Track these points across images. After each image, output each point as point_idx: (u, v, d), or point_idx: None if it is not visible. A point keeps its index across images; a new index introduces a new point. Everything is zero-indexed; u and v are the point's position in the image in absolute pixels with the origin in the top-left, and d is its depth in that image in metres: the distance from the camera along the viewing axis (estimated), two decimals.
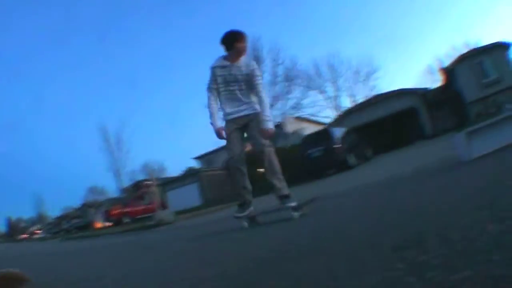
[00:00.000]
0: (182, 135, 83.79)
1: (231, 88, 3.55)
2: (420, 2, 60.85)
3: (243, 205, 3.58)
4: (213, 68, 3.57)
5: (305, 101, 29.23)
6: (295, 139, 20.02)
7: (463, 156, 3.98)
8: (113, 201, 33.06)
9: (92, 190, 53.83)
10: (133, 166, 52.77)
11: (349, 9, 61.06)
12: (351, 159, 13.07)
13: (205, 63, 4.45)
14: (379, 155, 16.89)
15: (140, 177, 37.54)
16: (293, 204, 3.36)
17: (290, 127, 26.80)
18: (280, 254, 1.85)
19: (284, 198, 3.40)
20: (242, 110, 3.58)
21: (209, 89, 3.62)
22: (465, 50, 26.46)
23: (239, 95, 3.57)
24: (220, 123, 3.64)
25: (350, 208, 3.48)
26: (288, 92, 28.19)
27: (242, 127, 3.62)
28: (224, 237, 3.56)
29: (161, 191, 22.93)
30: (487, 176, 2.83)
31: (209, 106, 3.61)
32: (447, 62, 29.01)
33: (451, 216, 1.70)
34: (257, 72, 3.58)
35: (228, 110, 3.60)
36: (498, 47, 22.22)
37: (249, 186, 3.61)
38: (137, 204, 24.64)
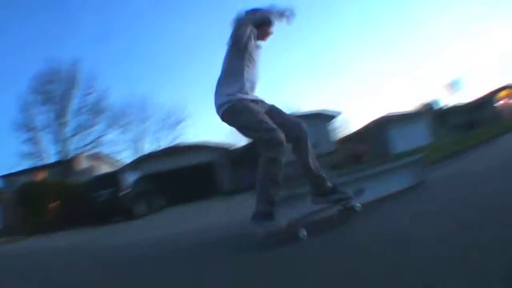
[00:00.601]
0: None
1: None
2: None
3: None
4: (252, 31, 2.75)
5: (106, 138, 27.47)
6: (87, 177, 17.88)
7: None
8: None
9: None
10: None
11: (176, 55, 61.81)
12: (140, 208, 12.31)
13: None
14: (174, 206, 16.61)
15: None
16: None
17: (85, 163, 24.06)
18: None
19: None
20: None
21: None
22: None
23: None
24: None
25: None
26: (91, 125, 26.19)
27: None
28: None
29: None
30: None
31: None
32: None
33: None
34: None
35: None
36: (319, 116, 23.41)
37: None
38: None
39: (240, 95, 2.65)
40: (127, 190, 12.39)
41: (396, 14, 63.49)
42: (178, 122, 34.78)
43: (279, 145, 2.51)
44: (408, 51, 70.54)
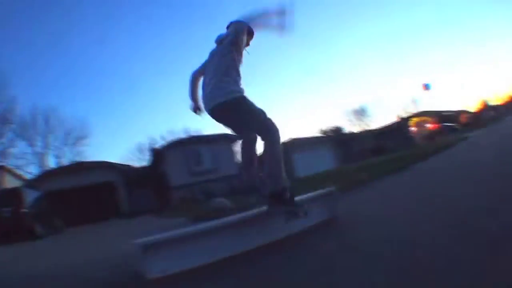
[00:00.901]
0: None
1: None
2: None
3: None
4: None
5: (13, 150, 25.92)
6: None
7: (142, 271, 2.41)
8: None
9: None
10: None
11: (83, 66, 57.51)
12: (39, 228, 11.44)
13: None
14: (73, 227, 15.62)
15: None
16: None
17: None
18: None
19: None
20: None
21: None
22: (182, 135, 28.33)
23: None
24: None
25: None
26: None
27: None
28: None
29: None
30: None
31: None
32: (160, 143, 30.09)
33: None
34: None
35: None
36: (222, 139, 22.92)
37: None
38: None
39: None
40: (28, 209, 11.47)
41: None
42: (79, 138, 32.87)
43: (279, 131, 2.89)
44: (316, 76, 76.69)
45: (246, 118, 2.91)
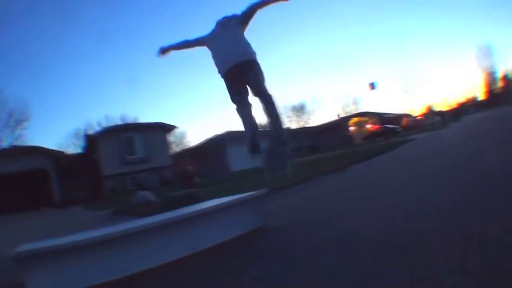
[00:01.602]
0: None
1: None
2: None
3: None
4: None
5: None
6: None
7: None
8: None
9: None
10: None
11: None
12: None
13: None
14: (5, 214, 14.81)
15: None
16: None
17: None
18: None
19: None
20: None
21: None
22: (119, 122, 27.40)
23: None
24: None
25: None
26: None
27: None
28: None
29: None
30: None
31: None
32: (96, 129, 29.08)
33: None
34: None
35: None
36: (157, 128, 22.72)
37: None
38: None
39: None
40: None
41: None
42: (19, 121, 30.52)
43: None
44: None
45: (261, 78, 3.37)
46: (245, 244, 2.49)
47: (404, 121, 38.31)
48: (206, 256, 2.26)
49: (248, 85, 3.37)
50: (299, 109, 55.26)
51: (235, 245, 2.45)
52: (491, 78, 61.33)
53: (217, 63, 3.47)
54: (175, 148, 41.09)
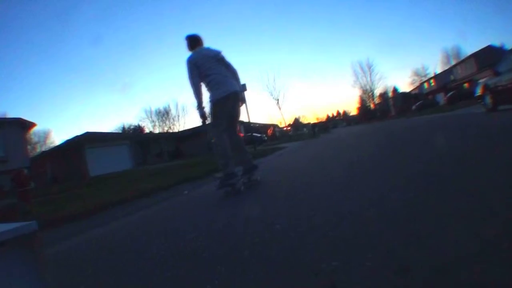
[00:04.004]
0: None
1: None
2: None
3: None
4: None
5: None
6: None
7: None
8: None
9: None
10: None
11: None
12: None
13: None
14: None
15: None
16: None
17: None
18: None
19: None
20: None
21: None
22: None
23: None
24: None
25: None
26: None
27: None
28: None
29: None
30: None
31: None
32: None
33: None
34: None
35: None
36: (15, 124, 20.38)
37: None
38: None
39: None
40: None
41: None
42: None
43: None
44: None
45: (239, 109, 4.31)
46: None
47: (269, 131, 40.50)
48: None
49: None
50: (164, 114, 54.37)
51: None
52: (366, 94, 65.08)
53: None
54: (40, 149, 36.79)
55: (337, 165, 4.72)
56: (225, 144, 4.01)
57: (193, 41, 4.30)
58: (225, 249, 1.89)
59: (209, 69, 4.04)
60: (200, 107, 4.01)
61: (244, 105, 4.76)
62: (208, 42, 4.33)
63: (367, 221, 1.80)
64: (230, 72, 4.22)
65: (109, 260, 2.32)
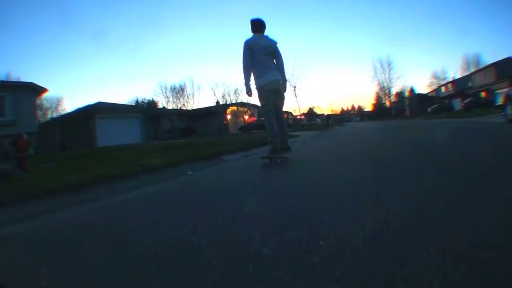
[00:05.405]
0: None
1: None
2: None
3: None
4: None
5: None
6: None
7: None
8: None
9: None
10: None
11: None
12: None
13: None
14: None
15: None
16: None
17: None
18: None
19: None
20: None
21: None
22: None
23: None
24: None
25: None
26: None
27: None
28: None
29: None
30: None
31: None
32: None
33: None
34: None
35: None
36: (28, 89, 20.35)
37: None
38: None
39: None
40: None
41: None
42: None
43: None
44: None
45: (283, 98, 5.14)
46: None
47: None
48: None
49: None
50: (179, 91, 54.00)
51: None
52: (383, 91, 64.89)
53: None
54: (51, 115, 36.86)
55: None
56: (273, 124, 4.78)
57: (256, 26, 4.94)
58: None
59: (257, 58, 4.75)
60: (247, 84, 4.79)
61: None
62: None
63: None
64: (277, 63, 4.95)
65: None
